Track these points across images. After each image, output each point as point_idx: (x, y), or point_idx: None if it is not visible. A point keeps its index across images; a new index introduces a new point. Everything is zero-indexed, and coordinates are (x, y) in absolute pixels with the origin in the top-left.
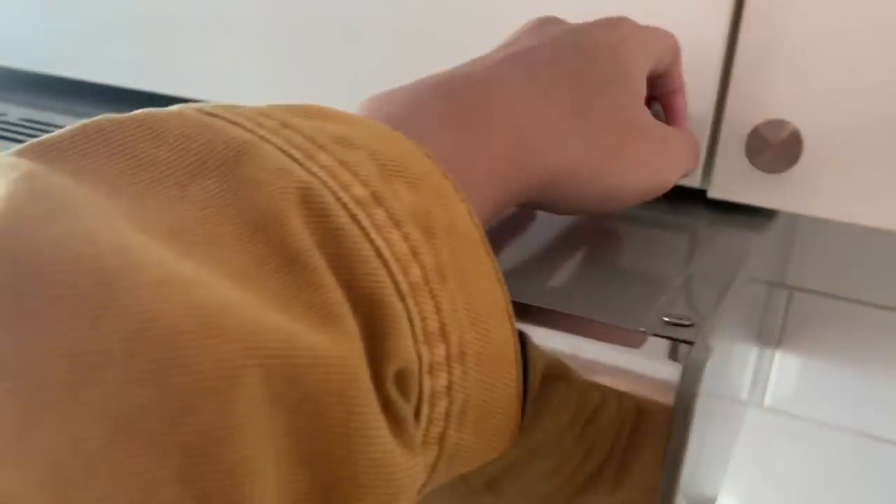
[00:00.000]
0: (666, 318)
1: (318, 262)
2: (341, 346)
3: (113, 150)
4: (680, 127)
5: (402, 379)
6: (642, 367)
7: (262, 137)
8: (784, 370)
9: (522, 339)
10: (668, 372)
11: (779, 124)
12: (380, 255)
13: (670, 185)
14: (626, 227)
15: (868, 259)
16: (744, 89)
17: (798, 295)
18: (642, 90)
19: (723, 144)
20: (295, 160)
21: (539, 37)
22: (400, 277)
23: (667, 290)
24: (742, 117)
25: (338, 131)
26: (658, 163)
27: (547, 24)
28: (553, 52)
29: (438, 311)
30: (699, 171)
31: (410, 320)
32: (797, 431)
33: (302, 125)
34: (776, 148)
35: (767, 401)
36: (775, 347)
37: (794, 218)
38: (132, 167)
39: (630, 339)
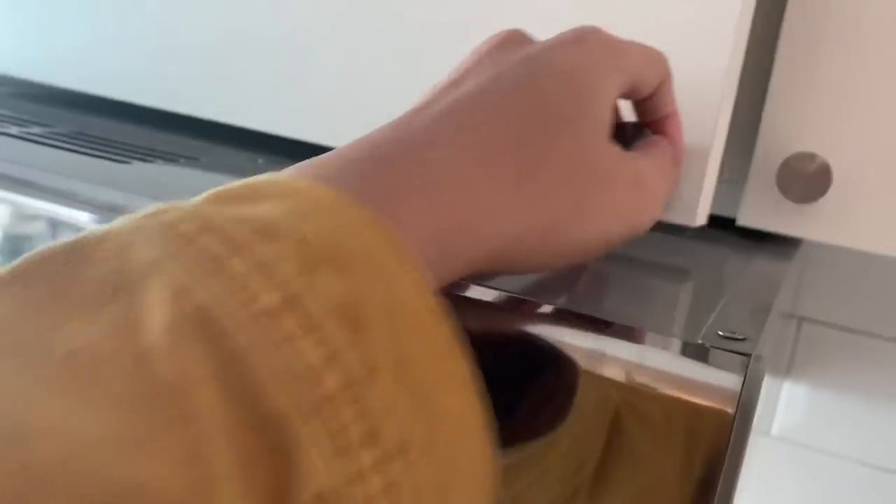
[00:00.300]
0: (720, 333)
1: (199, 394)
2: (198, 491)
3: (47, 277)
4: (677, 158)
5: (320, 502)
6: (698, 376)
7: (172, 254)
8: (792, 399)
9: (571, 365)
10: (731, 381)
11: (809, 157)
12: (283, 374)
13: (649, 225)
14: (660, 252)
15: (877, 291)
16: (776, 121)
17: (807, 325)
18: (605, 121)
19: (753, 174)
20: (206, 272)
21: (490, 69)
22: (308, 394)
23: (709, 310)
24: (774, 148)
25: (266, 216)
26: (629, 206)
27: (505, 46)
28: (500, 97)
29: (364, 414)
30: (714, 197)
31: (329, 435)
32: (804, 460)
33: (226, 221)
34: (806, 179)
35: (775, 429)
36: (784, 376)
37: (808, 249)
38: (59, 292)
39: (690, 350)
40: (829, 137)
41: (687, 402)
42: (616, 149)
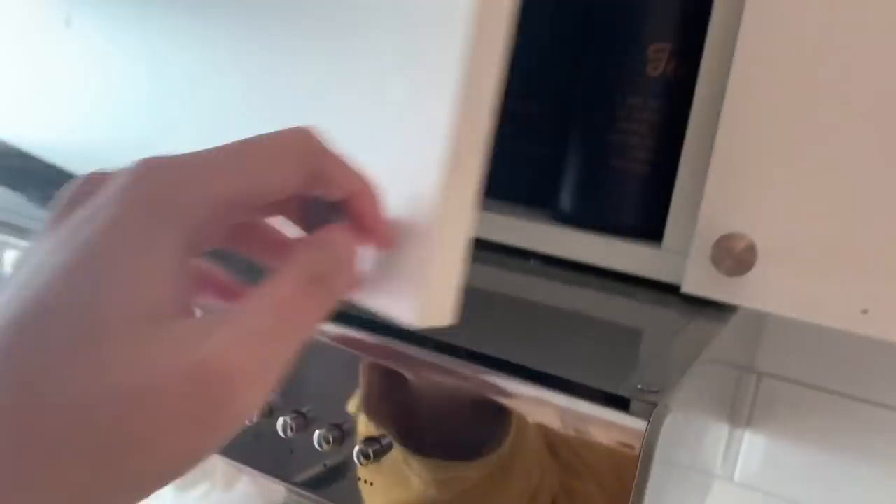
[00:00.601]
0: (640, 386)
1: None
2: None
3: None
4: (380, 240)
5: None
6: (618, 420)
7: None
8: (752, 448)
9: (507, 410)
10: (639, 425)
11: (739, 237)
12: None
13: (240, 422)
14: (613, 313)
15: (831, 350)
16: (712, 206)
17: (766, 380)
18: (135, 321)
19: (693, 250)
20: None
21: (15, 280)
22: None
23: (641, 365)
24: (710, 229)
25: None
26: (188, 428)
27: (65, 216)
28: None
29: None
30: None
31: None
32: None
33: None
34: (735, 256)
35: (737, 476)
36: (745, 427)
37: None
38: None
39: (611, 399)
40: (756, 222)
41: (603, 444)
42: (159, 348)
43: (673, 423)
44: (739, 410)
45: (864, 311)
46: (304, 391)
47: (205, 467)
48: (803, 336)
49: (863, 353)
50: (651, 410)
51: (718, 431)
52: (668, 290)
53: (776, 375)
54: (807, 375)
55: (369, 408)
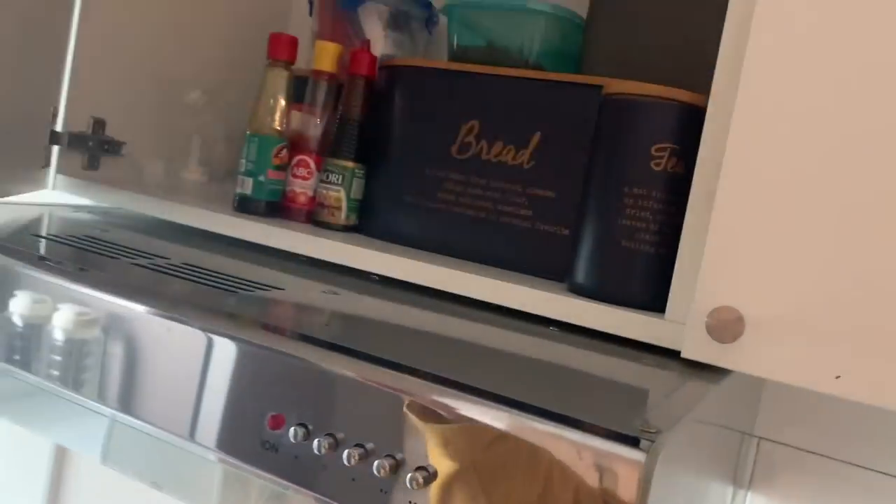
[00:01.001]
0: (641, 428)
1: None
2: None
3: None
4: None
5: None
6: (623, 453)
7: None
8: None
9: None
10: (638, 456)
11: (729, 310)
12: None
13: None
14: (621, 374)
15: (825, 416)
16: (706, 283)
17: (764, 443)
18: None
19: (690, 321)
20: None
21: None
22: None
23: (645, 411)
24: (705, 302)
25: None
26: None
27: None
28: None
29: None
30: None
31: None
32: None
33: None
34: (726, 326)
35: None
36: (748, 489)
37: (759, 378)
38: None
39: (620, 437)
40: (744, 297)
41: (611, 470)
42: None
43: (668, 459)
44: (742, 473)
45: (837, 377)
46: (363, 425)
47: None
48: (799, 402)
49: (857, 418)
50: (649, 446)
51: (723, 491)
52: (669, 355)
53: (774, 440)
54: (803, 440)
55: (416, 412)
